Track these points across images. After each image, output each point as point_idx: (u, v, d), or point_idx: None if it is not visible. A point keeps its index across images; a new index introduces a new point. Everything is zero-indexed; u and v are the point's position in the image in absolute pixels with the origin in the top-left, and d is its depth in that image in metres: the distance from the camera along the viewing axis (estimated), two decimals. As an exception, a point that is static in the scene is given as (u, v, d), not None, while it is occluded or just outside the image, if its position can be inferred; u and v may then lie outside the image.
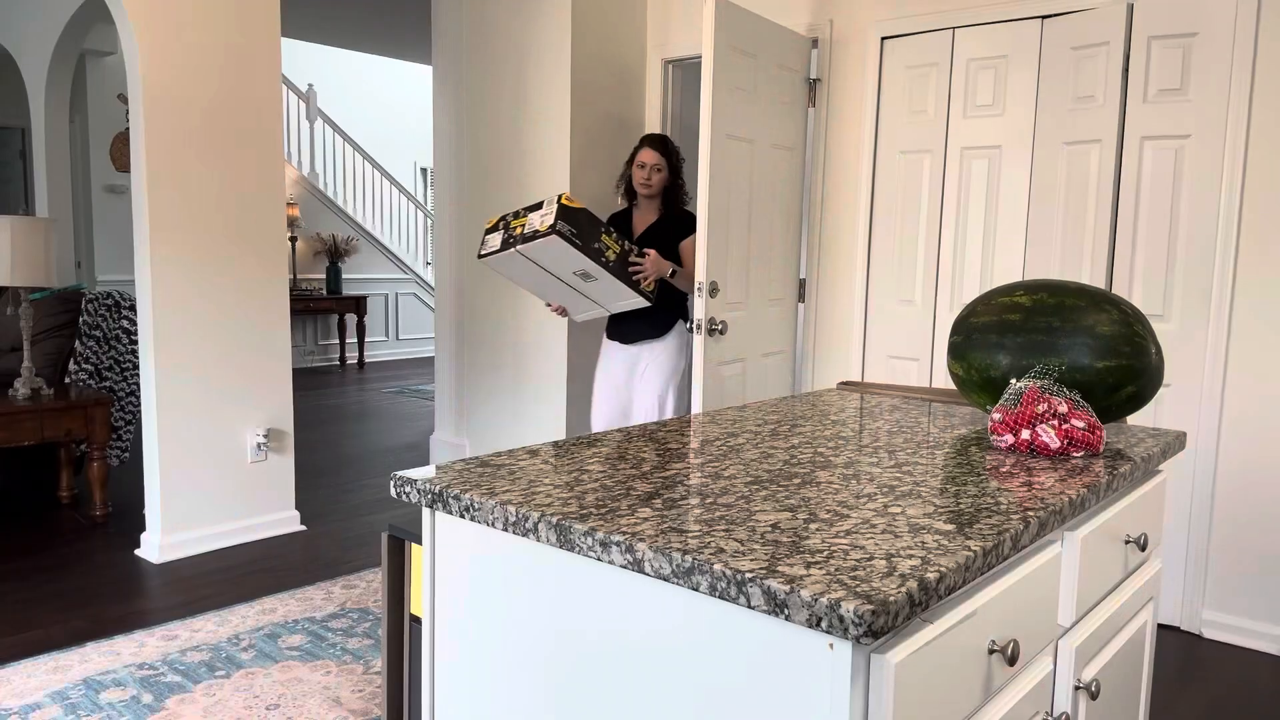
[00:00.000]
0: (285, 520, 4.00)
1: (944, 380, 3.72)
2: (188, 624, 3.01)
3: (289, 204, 9.12)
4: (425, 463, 5.48)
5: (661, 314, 3.54)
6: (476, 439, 4.93)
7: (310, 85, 9.66)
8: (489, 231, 3.32)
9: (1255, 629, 3.07)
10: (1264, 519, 3.04)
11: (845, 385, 2.25)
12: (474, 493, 1.13)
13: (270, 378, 3.91)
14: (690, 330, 3.60)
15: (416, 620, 1.74)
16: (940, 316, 3.72)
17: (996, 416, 1.46)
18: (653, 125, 4.55)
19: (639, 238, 3.55)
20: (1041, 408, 1.42)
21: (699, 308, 3.37)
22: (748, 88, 3.55)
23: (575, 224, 3.10)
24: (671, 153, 3.51)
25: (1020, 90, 3.46)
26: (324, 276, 9.47)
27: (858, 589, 0.83)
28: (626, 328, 3.58)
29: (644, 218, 3.59)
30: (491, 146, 4.68)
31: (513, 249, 3.13)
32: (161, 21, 3.47)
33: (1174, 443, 1.62)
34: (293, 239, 9.16)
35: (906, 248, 3.79)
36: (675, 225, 3.55)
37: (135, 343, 4.79)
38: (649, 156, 3.49)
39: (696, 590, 0.91)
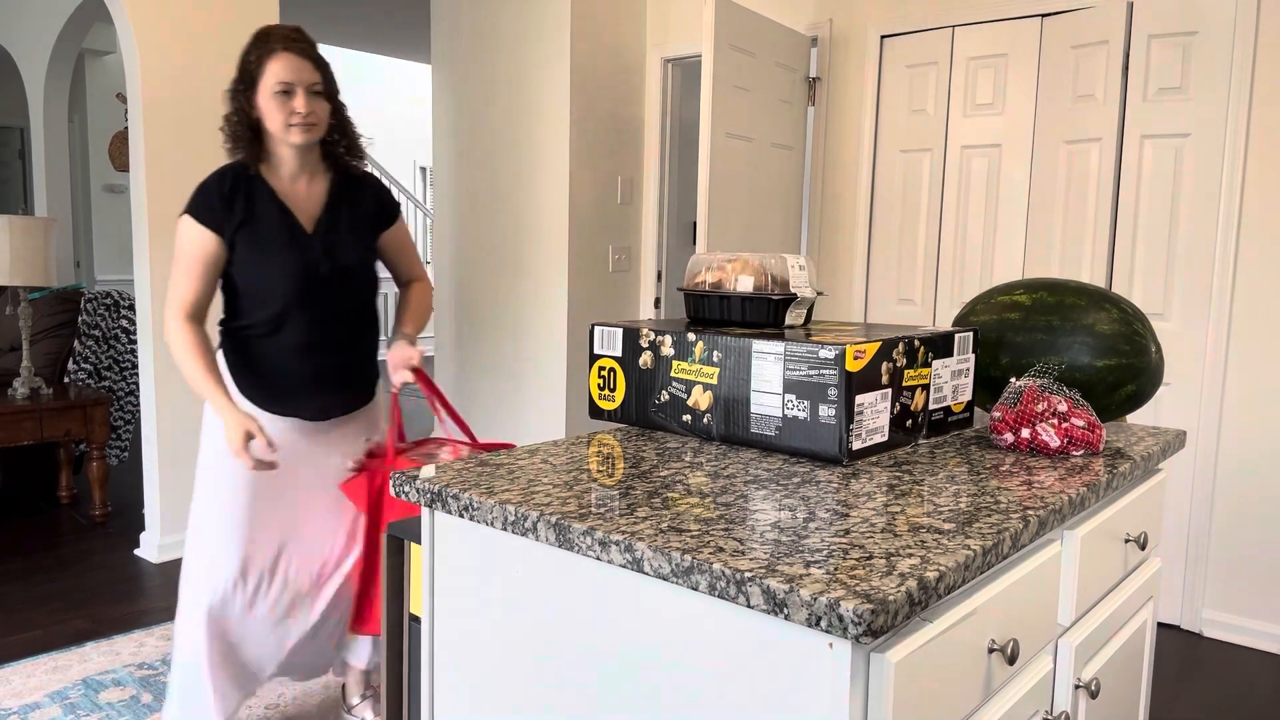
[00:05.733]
0: (285, 520, 4.00)
1: (944, 379, 3.71)
2: (187, 624, 3.01)
3: (288, 203, 9.09)
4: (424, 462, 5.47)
5: (366, 357, 2.16)
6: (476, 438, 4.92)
7: (310, 85, 9.65)
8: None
9: (1255, 628, 3.07)
10: (1264, 518, 3.04)
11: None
12: (473, 492, 1.13)
13: (270, 377, 3.91)
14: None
15: (416, 620, 1.74)
16: (940, 315, 3.71)
17: (996, 415, 1.46)
18: (653, 124, 4.55)
19: (319, 223, 2.03)
20: (1041, 406, 1.41)
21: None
22: (748, 86, 3.54)
23: None
24: (327, 69, 1.99)
25: (1020, 89, 3.46)
26: (324, 276, 9.46)
27: (857, 588, 0.83)
28: (317, 390, 2.07)
29: (303, 188, 2.05)
30: (491, 146, 4.67)
31: None
32: (161, 21, 3.47)
33: (1174, 441, 1.62)
34: (292, 238, 9.15)
35: (906, 246, 3.79)
36: (370, 200, 2.12)
37: (134, 342, 4.79)
38: (297, 69, 1.92)
39: (696, 590, 0.91)
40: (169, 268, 3.55)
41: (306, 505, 2.12)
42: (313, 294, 2.01)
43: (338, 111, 2.06)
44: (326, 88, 1.99)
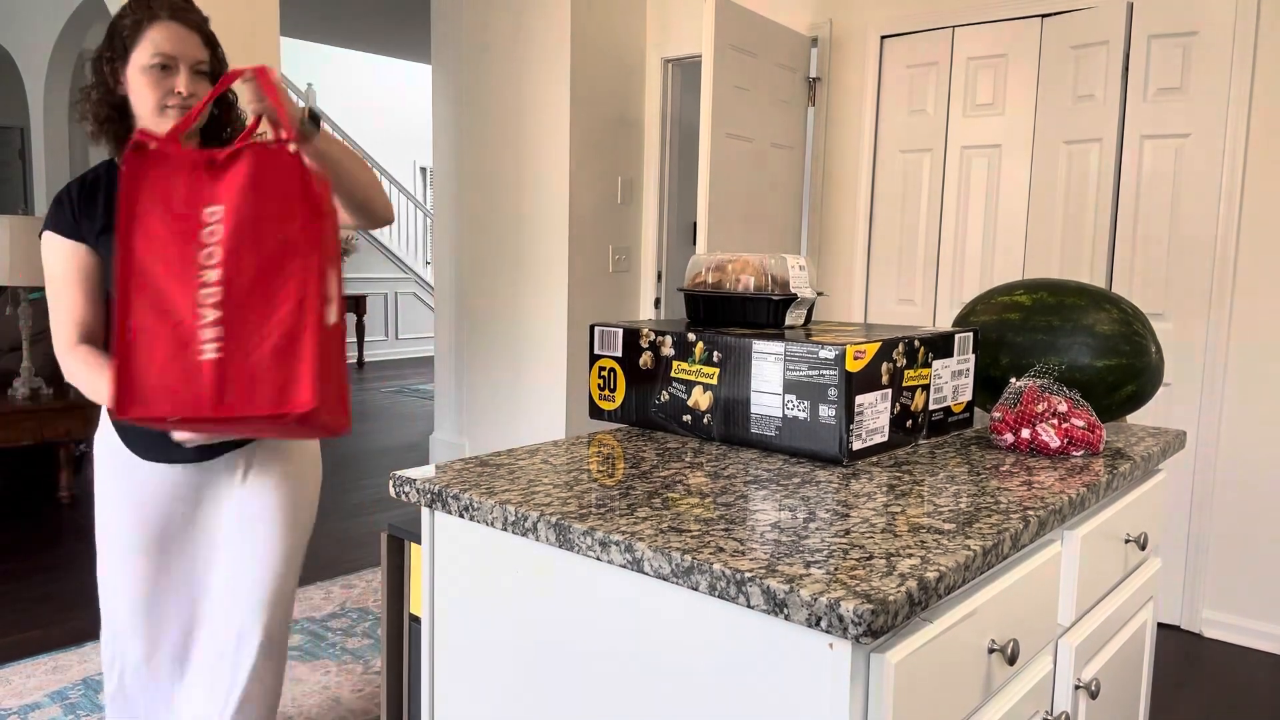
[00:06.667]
0: (285, 520, 4.00)
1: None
2: (187, 624, 3.01)
3: (288, 203, 9.08)
4: (425, 462, 5.48)
5: None
6: (476, 439, 4.93)
7: (310, 85, 9.65)
8: None
9: (1255, 628, 3.07)
10: (1264, 518, 3.04)
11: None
12: (473, 492, 1.13)
13: (270, 377, 3.90)
14: None
15: (416, 620, 1.74)
16: (940, 315, 3.71)
17: (996, 415, 1.46)
18: (652, 124, 4.55)
19: None
20: (1041, 407, 1.41)
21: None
22: (748, 86, 3.54)
23: None
24: (218, 48, 1.68)
25: (1020, 89, 3.46)
26: (324, 276, 9.45)
27: (857, 588, 0.83)
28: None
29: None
30: (491, 146, 4.67)
31: None
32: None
33: (1174, 442, 1.62)
34: (292, 239, 9.15)
35: (906, 247, 3.79)
36: None
37: (135, 342, 4.78)
38: (180, 40, 1.59)
39: (696, 590, 0.91)
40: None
41: (217, 565, 1.73)
42: None
43: (222, 99, 1.70)
44: (214, 69, 1.64)
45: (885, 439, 1.37)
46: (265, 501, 1.73)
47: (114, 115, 1.61)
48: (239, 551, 1.72)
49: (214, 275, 1.33)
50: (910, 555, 0.92)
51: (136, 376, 1.34)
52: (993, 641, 1.04)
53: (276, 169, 1.34)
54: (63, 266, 1.61)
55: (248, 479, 1.73)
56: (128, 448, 1.67)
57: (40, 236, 1.65)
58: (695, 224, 3.96)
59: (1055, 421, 1.40)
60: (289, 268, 1.33)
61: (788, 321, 1.57)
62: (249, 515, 1.73)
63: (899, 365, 1.37)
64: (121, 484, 1.69)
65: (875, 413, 1.34)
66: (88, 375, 1.60)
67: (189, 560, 1.73)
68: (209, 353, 1.32)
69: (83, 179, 1.65)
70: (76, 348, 1.61)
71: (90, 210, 1.62)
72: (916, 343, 1.40)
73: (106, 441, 1.70)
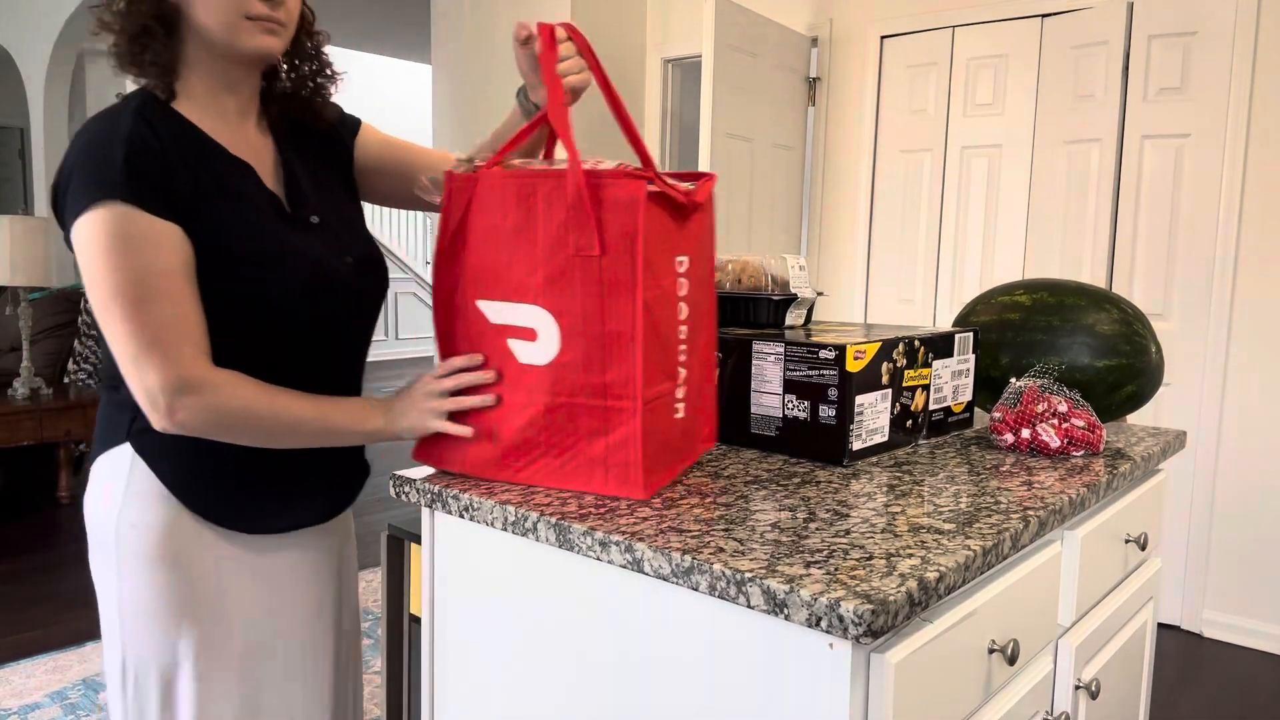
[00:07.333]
0: (285, 520, 3.99)
1: (944, 379, 3.72)
2: (187, 624, 3.01)
3: (289, 204, 9.09)
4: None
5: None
6: (476, 438, 4.92)
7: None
8: None
9: (1255, 628, 3.07)
10: (1264, 518, 3.04)
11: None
12: (473, 492, 1.13)
13: (270, 377, 3.90)
14: None
15: (416, 620, 1.74)
16: (940, 315, 3.71)
17: (996, 415, 1.46)
18: (653, 124, 4.54)
19: (291, 191, 1.21)
20: (1041, 407, 1.41)
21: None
22: (747, 87, 3.54)
23: None
24: None
25: (1020, 89, 3.46)
26: (324, 276, 9.47)
27: (857, 588, 0.83)
28: (330, 470, 1.28)
29: (251, 134, 1.21)
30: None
31: None
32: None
33: (1174, 442, 1.62)
34: (292, 239, 9.16)
35: (906, 247, 3.79)
36: (321, 138, 1.30)
37: (135, 342, 4.77)
38: None
39: (696, 590, 0.91)
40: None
41: (292, 676, 1.26)
42: (326, 310, 1.19)
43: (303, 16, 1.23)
44: None
45: (885, 439, 1.37)
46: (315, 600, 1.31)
47: (155, 29, 1.10)
48: (306, 661, 1.29)
49: (684, 330, 1.16)
50: (910, 555, 0.92)
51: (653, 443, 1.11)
52: (993, 642, 1.04)
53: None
54: (166, 258, 1.04)
55: (311, 561, 1.30)
56: (224, 522, 1.17)
57: (85, 215, 1.02)
58: (695, 224, 3.96)
59: (1055, 421, 1.40)
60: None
61: (788, 321, 1.57)
62: (309, 608, 1.30)
63: (899, 365, 1.37)
64: (268, 580, 1.20)
65: (875, 413, 1.34)
66: (261, 400, 1.09)
67: (326, 647, 1.31)
68: (680, 411, 1.18)
69: (130, 138, 1.04)
70: (213, 372, 1.07)
71: (171, 178, 1.07)
72: (916, 343, 1.40)
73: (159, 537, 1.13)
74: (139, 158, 1.03)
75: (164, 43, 1.11)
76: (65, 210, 1.05)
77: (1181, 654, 3.01)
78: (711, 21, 3.31)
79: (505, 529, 1.08)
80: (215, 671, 1.17)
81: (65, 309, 4.67)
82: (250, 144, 1.19)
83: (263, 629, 1.21)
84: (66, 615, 3.07)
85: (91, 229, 1.02)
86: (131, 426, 1.13)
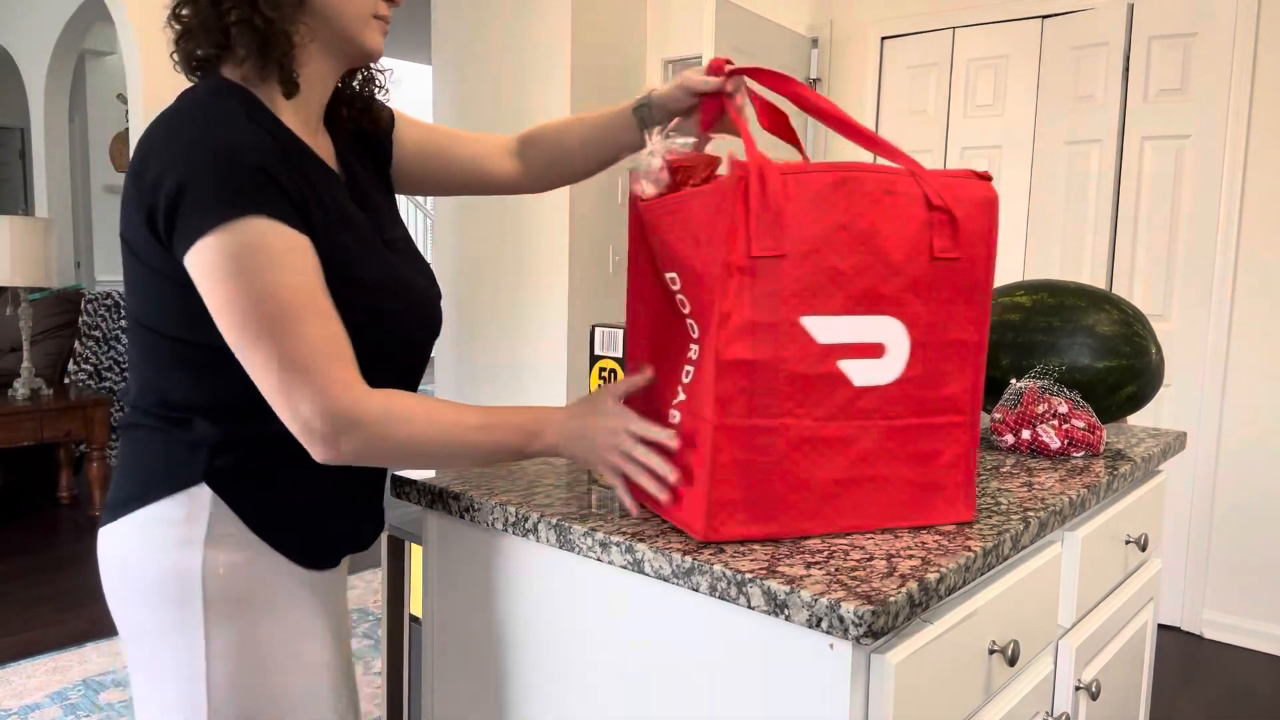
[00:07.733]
0: (285, 520, 4.00)
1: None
2: (187, 624, 3.01)
3: (289, 204, 9.08)
4: (425, 463, 5.47)
5: None
6: (476, 439, 4.92)
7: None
8: None
9: (1255, 629, 3.07)
10: (1264, 519, 3.04)
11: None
12: (473, 493, 1.13)
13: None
14: None
15: (416, 620, 1.74)
16: (940, 316, 3.72)
17: (997, 416, 1.46)
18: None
19: (371, 208, 1.13)
20: (1041, 408, 1.41)
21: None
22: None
23: None
24: None
25: (1020, 90, 3.46)
26: (324, 276, 9.46)
27: (858, 589, 0.83)
28: (378, 495, 1.17)
29: (323, 144, 1.10)
30: (491, 146, 4.67)
31: None
32: (161, 21, 3.47)
33: (1174, 443, 1.62)
34: (292, 239, 9.15)
35: (906, 248, 3.79)
36: (367, 148, 1.20)
37: (135, 343, 4.77)
38: None
39: (696, 591, 0.91)
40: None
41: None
42: (425, 336, 1.14)
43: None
44: None
45: None
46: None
47: (284, 28, 0.99)
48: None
49: None
50: (911, 556, 0.92)
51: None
52: (993, 642, 1.04)
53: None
54: (310, 273, 0.95)
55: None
56: (299, 558, 1.07)
57: (221, 228, 0.91)
58: (695, 224, 3.96)
59: (1056, 422, 1.40)
60: None
61: None
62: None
63: None
64: (312, 615, 1.09)
65: None
66: (437, 417, 0.99)
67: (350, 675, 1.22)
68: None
69: (257, 145, 0.94)
70: (370, 394, 0.97)
71: (297, 190, 0.97)
72: None
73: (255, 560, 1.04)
74: (268, 166, 0.94)
75: (283, 34, 0.99)
76: (180, 231, 0.92)
77: (1182, 655, 3.01)
78: (711, 22, 3.31)
79: (506, 529, 1.08)
80: (320, 714, 1.09)
81: (65, 309, 4.67)
82: (325, 153, 1.10)
83: (337, 669, 1.12)
84: (67, 615, 3.07)
85: (225, 248, 0.91)
86: (209, 466, 1.01)
